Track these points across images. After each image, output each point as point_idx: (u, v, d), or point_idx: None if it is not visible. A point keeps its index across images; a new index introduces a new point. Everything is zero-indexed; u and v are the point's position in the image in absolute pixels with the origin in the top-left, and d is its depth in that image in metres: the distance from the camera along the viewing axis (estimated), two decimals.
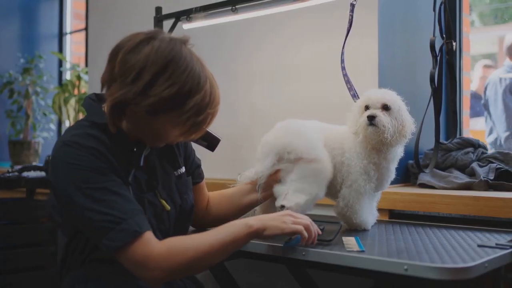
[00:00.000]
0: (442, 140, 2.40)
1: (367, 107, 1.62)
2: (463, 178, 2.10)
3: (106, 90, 1.36)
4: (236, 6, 2.07)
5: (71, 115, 4.03)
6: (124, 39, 1.37)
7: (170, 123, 1.36)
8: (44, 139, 4.27)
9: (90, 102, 1.46)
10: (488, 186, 2.02)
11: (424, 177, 2.16)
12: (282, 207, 1.53)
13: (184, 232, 1.57)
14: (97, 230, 1.27)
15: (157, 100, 1.30)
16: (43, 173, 3.07)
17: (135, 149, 1.42)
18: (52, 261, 3.03)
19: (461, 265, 1.19)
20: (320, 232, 1.41)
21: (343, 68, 1.81)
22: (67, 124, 4.16)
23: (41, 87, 4.21)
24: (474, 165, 2.16)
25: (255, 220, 1.36)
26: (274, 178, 1.62)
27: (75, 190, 1.28)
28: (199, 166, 1.68)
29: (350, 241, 1.47)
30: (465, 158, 2.21)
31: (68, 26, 4.75)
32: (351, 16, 1.80)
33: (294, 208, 1.51)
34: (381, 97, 1.60)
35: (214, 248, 1.31)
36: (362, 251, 1.35)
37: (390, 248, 1.40)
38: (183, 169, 1.58)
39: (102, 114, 1.40)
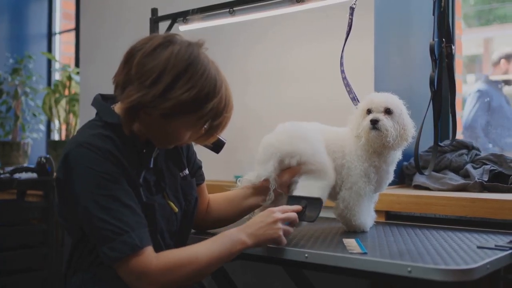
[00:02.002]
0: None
1: (369, 111, 1.63)
2: (458, 180, 2.13)
3: (119, 92, 1.36)
4: (234, 8, 2.07)
5: (61, 116, 4.00)
6: (140, 42, 1.36)
7: (185, 126, 1.37)
8: (33, 140, 4.23)
9: (101, 102, 1.45)
10: (483, 187, 2.05)
11: (419, 179, 2.19)
12: None
13: (187, 233, 1.57)
14: (99, 237, 1.28)
15: (175, 104, 1.30)
16: (34, 175, 3.05)
17: (144, 150, 1.42)
18: (44, 263, 3.01)
19: (464, 266, 1.20)
20: (300, 209, 1.46)
21: (342, 71, 1.82)
22: (57, 124, 4.13)
23: (30, 88, 4.18)
24: (468, 166, 2.18)
25: (248, 236, 1.38)
26: (279, 181, 1.62)
27: (86, 194, 1.28)
28: (200, 167, 1.69)
29: (351, 243, 1.48)
30: (459, 160, 2.24)
31: (57, 26, 4.72)
32: (351, 19, 1.81)
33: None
34: (384, 101, 1.61)
35: (210, 264, 1.34)
36: (365, 253, 1.36)
37: (391, 250, 1.41)
38: (187, 170, 1.59)
39: (114, 115, 1.40)
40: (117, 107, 1.42)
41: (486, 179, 2.08)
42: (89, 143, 1.32)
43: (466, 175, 2.17)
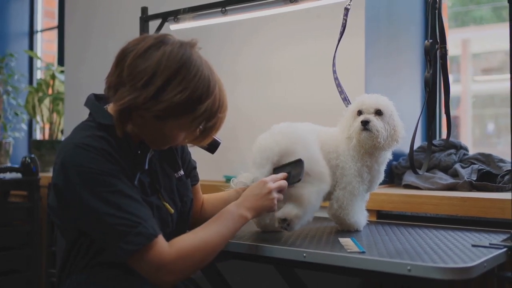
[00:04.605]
0: (423, 142, 2.45)
1: (360, 112, 1.65)
2: (447, 179, 2.16)
3: (112, 94, 1.35)
4: (226, 8, 2.06)
5: (45, 115, 3.94)
6: (132, 43, 1.35)
7: (180, 128, 1.36)
8: (15, 139, 4.16)
9: (94, 103, 1.43)
10: (472, 187, 2.08)
11: (409, 178, 2.21)
12: (284, 220, 1.53)
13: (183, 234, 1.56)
14: (113, 234, 1.26)
15: (168, 106, 1.29)
16: (19, 175, 3.01)
17: (139, 152, 1.41)
18: (28, 264, 2.97)
19: (463, 265, 1.22)
20: (287, 176, 1.52)
21: (334, 72, 1.83)
22: (40, 124, 4.07)
23: (12, 86, 4.10)
24: (457, 166, 2.21)
25: (248, 210, 1.44)
26: None
27: (89, 193, 1.26)
28: (194, 168, 1.68)
29: (348, 243, 1.49)
30: (448, 159, 2.27)
31: (39, 24, 4.65)
32: (345, 20, 1.82)
33: (294, 221, 1.52)
34: (375, 102, 1.63)
35: (220, 244, 1.37)
36: (363, 252, 1.37)
37: (388, 249, 1.42)
38: (182, 171, 1.58)
39: (107, 116, 1.38)
40: (111, 108, 1.41)
41: (474, 179, 2.11)
42: (85, 143, 1.30)
43: (455, 175, 2.20)
